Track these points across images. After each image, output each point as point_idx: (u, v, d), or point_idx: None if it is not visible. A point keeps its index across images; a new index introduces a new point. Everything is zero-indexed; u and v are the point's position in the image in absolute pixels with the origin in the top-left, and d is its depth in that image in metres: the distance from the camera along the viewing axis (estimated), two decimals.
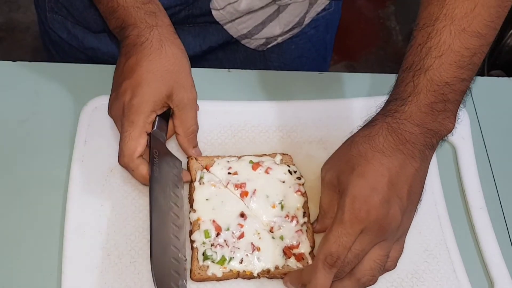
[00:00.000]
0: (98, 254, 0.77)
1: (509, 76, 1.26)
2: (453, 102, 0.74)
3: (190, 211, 0.80)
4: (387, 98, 0.76)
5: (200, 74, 0.87)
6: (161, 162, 0.80)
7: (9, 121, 0.89)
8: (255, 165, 0.82)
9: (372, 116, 0.76)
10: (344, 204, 0.70)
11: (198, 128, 0.84)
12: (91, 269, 0.76)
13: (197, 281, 0.76)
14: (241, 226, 0.78)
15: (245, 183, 0.81)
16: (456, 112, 0.75)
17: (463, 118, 0.93)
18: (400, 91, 0.74)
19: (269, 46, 1.05)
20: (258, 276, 0.77)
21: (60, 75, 0.95)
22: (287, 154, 0.85)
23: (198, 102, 0.83)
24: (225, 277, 0.77)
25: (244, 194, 0.80)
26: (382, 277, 0.78)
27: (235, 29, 0.99)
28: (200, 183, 0.81)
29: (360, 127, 0.76)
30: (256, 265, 0.77)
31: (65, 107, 0.91)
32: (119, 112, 0.80)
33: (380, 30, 2.43)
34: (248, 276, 0.77)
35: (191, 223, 0.79)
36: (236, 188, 0.81)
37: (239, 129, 0.89)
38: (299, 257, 0.78)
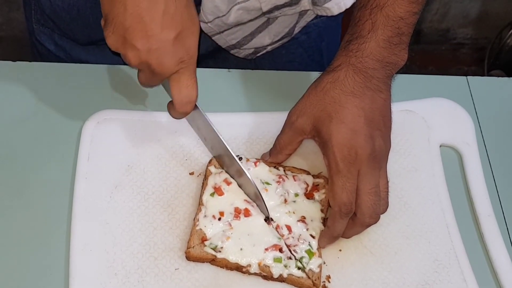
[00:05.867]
0: (105, 273, 0.76)
1: (509, 76, 1.26)
2: (406, 34, 0.80)
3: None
4: (347, 37, 0.81)
5: (199, 74, 0.85)
6: None
7: (9, 121, 0.89)
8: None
9: (335, 59, 0.81)
10: (334, 155, 0.76)
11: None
12: None
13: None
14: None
15: None
16: (408, 43, 0.81)
17: (467, 124, 0.93)
18: (359, 29, 0.79)
19: (258, 55, 1.05)
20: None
21: (61, 75, 0.95)
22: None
23: None
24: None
25: None
26: None
27: (223, 40, 0.98)
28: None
29: (325, 72, 0.81)
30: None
31: (66, 106, 0.90)
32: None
33: None
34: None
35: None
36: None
37: (243, 141, 0.88)
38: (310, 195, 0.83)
